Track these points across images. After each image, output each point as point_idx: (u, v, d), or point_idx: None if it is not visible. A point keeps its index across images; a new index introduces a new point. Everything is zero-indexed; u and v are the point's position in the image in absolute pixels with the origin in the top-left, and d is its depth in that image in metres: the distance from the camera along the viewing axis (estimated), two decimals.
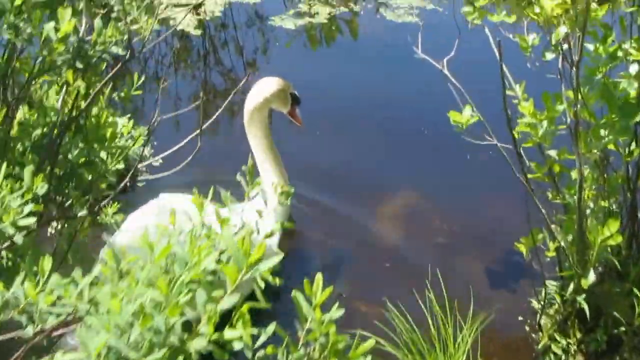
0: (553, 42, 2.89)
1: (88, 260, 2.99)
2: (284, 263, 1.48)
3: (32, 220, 1.85)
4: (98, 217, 3.65)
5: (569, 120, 3.15)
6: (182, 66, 6.69)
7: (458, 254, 4.04)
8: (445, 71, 3.19)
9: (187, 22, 7.15)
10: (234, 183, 1.94)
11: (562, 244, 3.06)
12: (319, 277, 1.48)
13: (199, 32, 7.04)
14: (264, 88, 4.09)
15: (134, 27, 2.50)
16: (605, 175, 3.28)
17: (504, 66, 3.40)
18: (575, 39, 3.17)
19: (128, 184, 4.66)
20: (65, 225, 3.01)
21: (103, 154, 2.98)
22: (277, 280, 1.41)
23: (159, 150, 4.96)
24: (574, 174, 3.31)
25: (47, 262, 1.62)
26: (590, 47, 3.16)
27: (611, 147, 3.23)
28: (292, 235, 4.22)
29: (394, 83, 5.95)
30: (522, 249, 3.19)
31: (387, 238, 4.33)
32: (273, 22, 7.19)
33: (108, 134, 3.10)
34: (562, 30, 2.81)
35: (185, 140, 4.51)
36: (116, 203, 3.56)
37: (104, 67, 2.99)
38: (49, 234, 3.61)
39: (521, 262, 3.60)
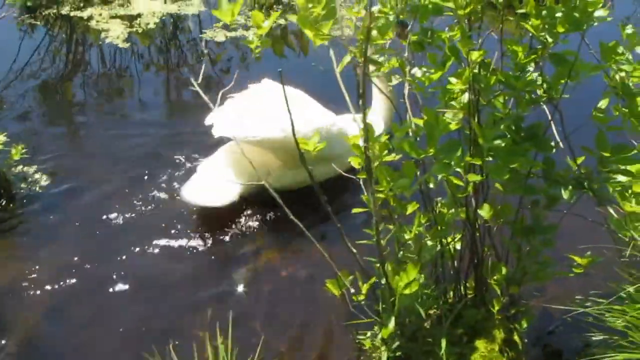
0: (338, 70, 2.66)
1: None
2: None
3: None
4: None
5: None
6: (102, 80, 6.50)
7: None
8: (216, 107, 2.95)
9: (117, 34, 6.99)
10: None
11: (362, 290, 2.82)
12: None
13: (127, 44, 6.85)
14: None
15: None
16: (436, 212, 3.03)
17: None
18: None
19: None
20: None
21: None
22: None
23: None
24: (410, 208, 3.07)
25: None
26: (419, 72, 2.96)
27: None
28: None
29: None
30: (334, 290, 2.94)
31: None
32: (204, 34, 6.99)
33: None
34: (347, 59, 2.59)
35: None
36: None
37: None
38: None
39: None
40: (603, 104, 2.91)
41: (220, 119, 4.40)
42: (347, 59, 2.59)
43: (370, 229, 2.88)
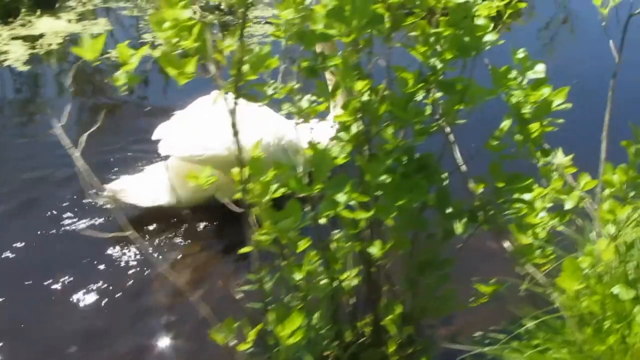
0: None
1: None
2: None
3: None
4: None
5: None
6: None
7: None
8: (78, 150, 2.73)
9: (18, 56, 6.67)
10: None
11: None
12: None
13: (28, 67, 6.53)
14: None
15: None
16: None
17: None
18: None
19: None
20: None
21: None
22: None
23: None
24: (302, 246, 2.89)
25: None
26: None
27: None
28: None
29: None
30: (218, 339, 2.74)
31: None
32: (109, 54, 6.70)
33: None
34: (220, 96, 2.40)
35: None
36: None
37: None
38: None
39: None
40: (506, 125, 2.82)
41: (167, 135, 4.29)
42: (220, 96, 2.39)
43: (253, 273, 2.71)
